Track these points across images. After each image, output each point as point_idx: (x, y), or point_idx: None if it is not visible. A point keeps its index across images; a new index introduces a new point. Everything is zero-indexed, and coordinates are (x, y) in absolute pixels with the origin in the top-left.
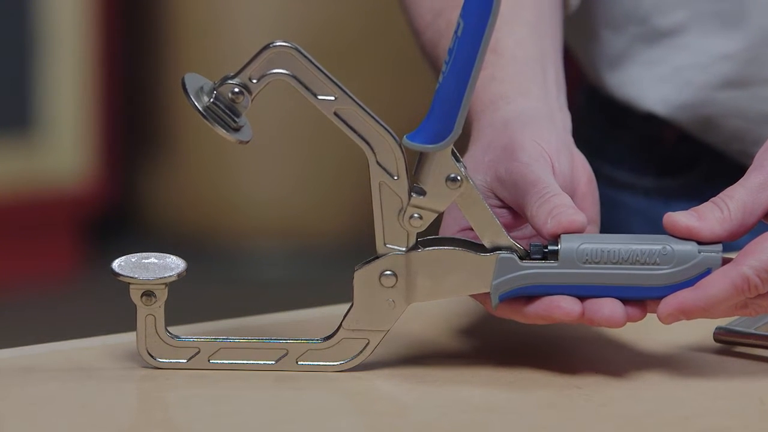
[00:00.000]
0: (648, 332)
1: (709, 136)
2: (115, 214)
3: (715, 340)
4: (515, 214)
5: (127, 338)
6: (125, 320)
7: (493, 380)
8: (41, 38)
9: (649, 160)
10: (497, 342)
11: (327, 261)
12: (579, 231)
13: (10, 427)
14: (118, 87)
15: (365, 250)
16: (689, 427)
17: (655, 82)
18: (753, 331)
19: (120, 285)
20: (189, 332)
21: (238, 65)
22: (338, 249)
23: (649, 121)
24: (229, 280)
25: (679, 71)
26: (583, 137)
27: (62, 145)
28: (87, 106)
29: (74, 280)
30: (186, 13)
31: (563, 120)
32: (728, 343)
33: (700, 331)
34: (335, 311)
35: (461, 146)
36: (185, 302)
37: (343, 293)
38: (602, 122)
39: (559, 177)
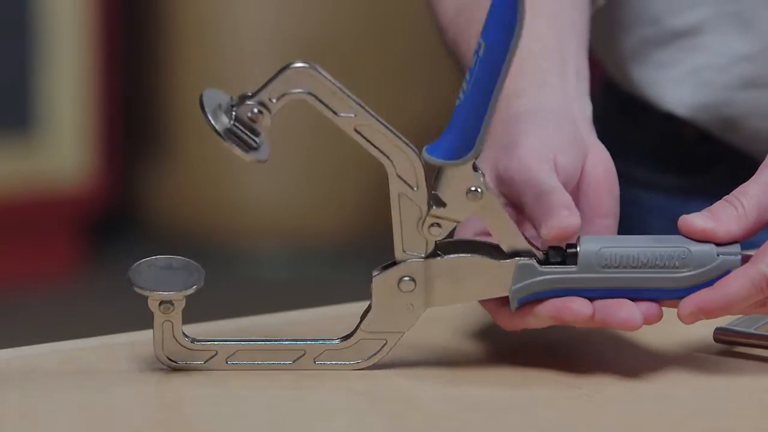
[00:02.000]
0: (648, 332)
1: (731, 136)
2: (115, 214)
3: (715, 340)
4: (520, 211)
5: (126, 338)
6: (125, 320)
7: (494, 380)
8: (41, 39)
9: (668, 158)
10: (498, 342)
11: (327, 261)
12: (572, 236)
13: (10, 427)
14: (118, 87)
15: (365, 250)
16: (689, 427)
17: (672, 82)
18: (753, 331)
19: (120, 285)
20: (195, 331)
21: (238, 65)
22: (338, 249)
23: (669, 120)
24: (229, 280)
25: (697, 72)
26: (601, 135)
27: (62, 145)
28: (87, 106)
29: (74, 280)
30: (186, 13)
31: (582, 109)
32: (728, 343)
33: (700, 331)
34: (342, 310)
35: None
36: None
37: (343, 293)
38: (621, 120)
39: (563, 170)
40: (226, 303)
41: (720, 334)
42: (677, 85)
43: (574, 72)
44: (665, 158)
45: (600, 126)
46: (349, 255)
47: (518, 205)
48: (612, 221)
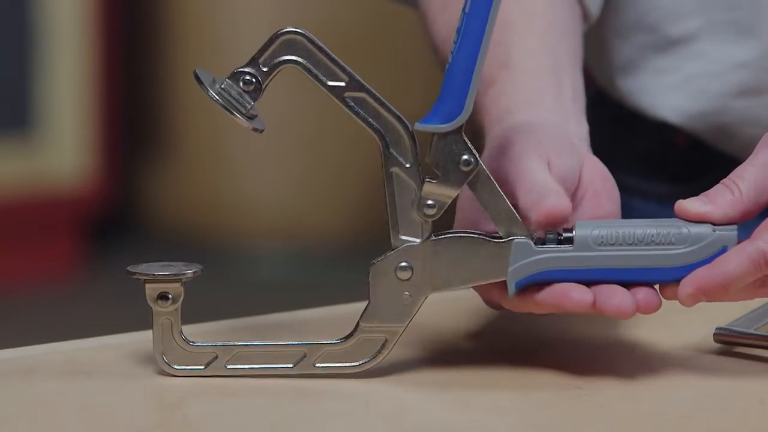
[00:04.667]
0: (648, 332)
1: (725, 144)
2: (115, 214)
3: (715, 340)
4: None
5: (127, 338)
6: (125, 320)
7: (493, 380)
8: (41, 38)
9: (661, 166)
10: (497, 342)
11: (327, 261)
12: (561, 218)
13: (10, 427)
14: (118, 87)
15: (365, 251)
16: (689, 427)
17: (666, 90)
18: (753, 331)
19: (120, 285)
20: (194, 331)
21: (238, 65)
22: (338, 249)
23: (662, 128)
24: (229, 280)
25: (692, 80)
26: (593, 143)
27: (62, 145)
28: (87, 106)
29: (74, 280)
30: (186, 13)
31: (578, 130)
32: (728, 343)
33: (700, 331)
34: (342, 310)
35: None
36: (184, 302)
37: (343, 293)
38: (612, 129)
39: (558, 172)
40: (225, 303)
41: (720, 334)
42: (672, 92)
43: (570, 91)
44: (657, 166)
45: (591, 135)
46: (348, 255)
47: (517, 208)
48: None
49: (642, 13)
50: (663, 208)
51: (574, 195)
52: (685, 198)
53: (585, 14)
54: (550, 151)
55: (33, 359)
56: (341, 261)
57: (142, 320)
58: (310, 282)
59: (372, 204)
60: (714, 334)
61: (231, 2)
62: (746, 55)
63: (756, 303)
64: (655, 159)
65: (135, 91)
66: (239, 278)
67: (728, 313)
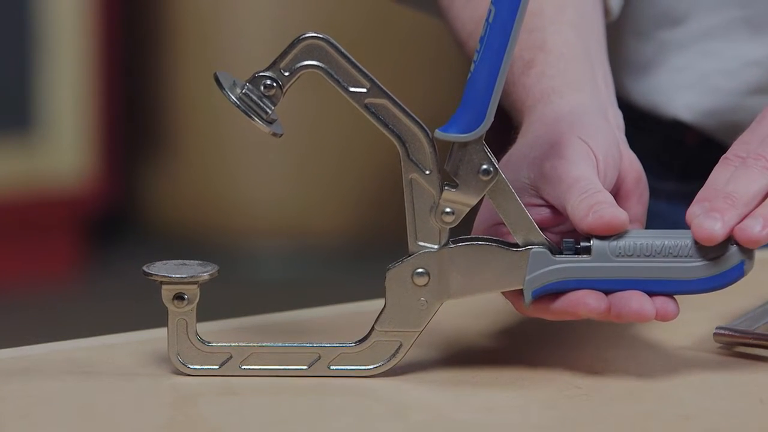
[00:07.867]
0: (648, 333)
1: None
2: (115, 214)
3: (716, 340)
4: (555, 212)
5: (126, 338)
6: (125, 320)
7: (493, 380)
8: (41, 38)
9: (671, 164)
10: (497, 342)
11: (327, 261)
12: (620, 228)
13: (10, 427)
14: (118, 87)
15: (365, 250)
16: (689, 427)
17: (681, 88)
18: (753, 331)
19: (120, 285)
20: (199, 330)
21: (238, 65)
22: (338, 249)
23: (672, 127)
24: (229, 280)
25: (706, 77)
26: None
27: (62, 145)
28: (87, 106)
29: (74, 280)
30: (187, 13)
31: (615, 117)
32: (728, 343)
33: (700, 331)
34: (344, 309)
35: (506, 141)
36: None
37: (343, 293)
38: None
39: (604, 180)
40: (225, 303)
41: (720, 334)
42: (686, 90)
43: (603, 80)
44: (667, 164)
45: None
46: (349, 255)
47: (557, 204)
48: (638, 227)
49: (670, 7)
50: (673, 206)
51: None
52: (692, 197)
53: (606, 11)
54: (599, 158)
55: (33, 359)
56: (341, 261)
57: (142, 319)
58: (310, 281)
59: (372, 203)
60: (714, 334)
61: (232, 1)
62: (759, 53)
63: (756, 303)
64: (664, 157)
65: (135, 91)
66: (239, 278)
67: (728, 313)
